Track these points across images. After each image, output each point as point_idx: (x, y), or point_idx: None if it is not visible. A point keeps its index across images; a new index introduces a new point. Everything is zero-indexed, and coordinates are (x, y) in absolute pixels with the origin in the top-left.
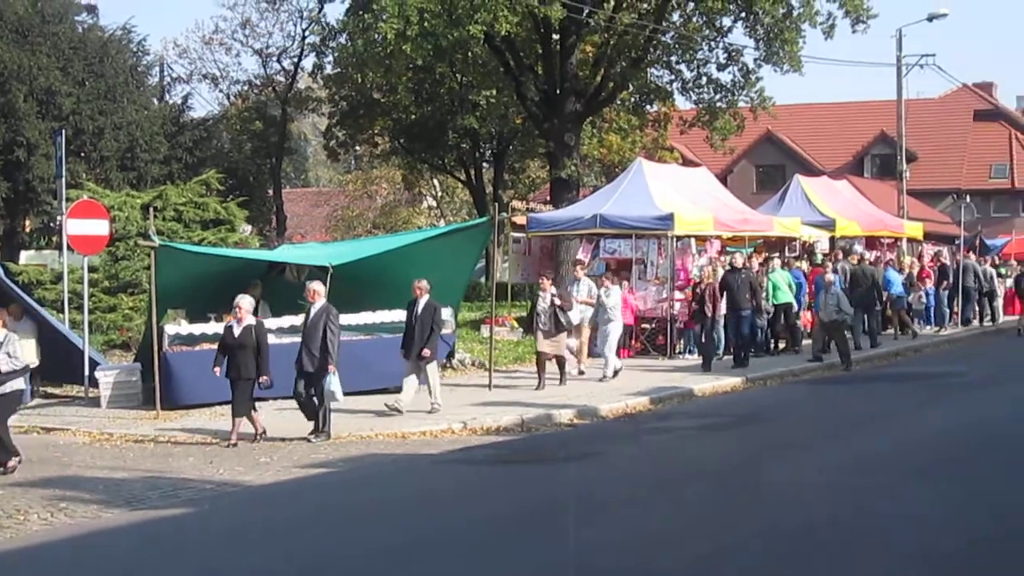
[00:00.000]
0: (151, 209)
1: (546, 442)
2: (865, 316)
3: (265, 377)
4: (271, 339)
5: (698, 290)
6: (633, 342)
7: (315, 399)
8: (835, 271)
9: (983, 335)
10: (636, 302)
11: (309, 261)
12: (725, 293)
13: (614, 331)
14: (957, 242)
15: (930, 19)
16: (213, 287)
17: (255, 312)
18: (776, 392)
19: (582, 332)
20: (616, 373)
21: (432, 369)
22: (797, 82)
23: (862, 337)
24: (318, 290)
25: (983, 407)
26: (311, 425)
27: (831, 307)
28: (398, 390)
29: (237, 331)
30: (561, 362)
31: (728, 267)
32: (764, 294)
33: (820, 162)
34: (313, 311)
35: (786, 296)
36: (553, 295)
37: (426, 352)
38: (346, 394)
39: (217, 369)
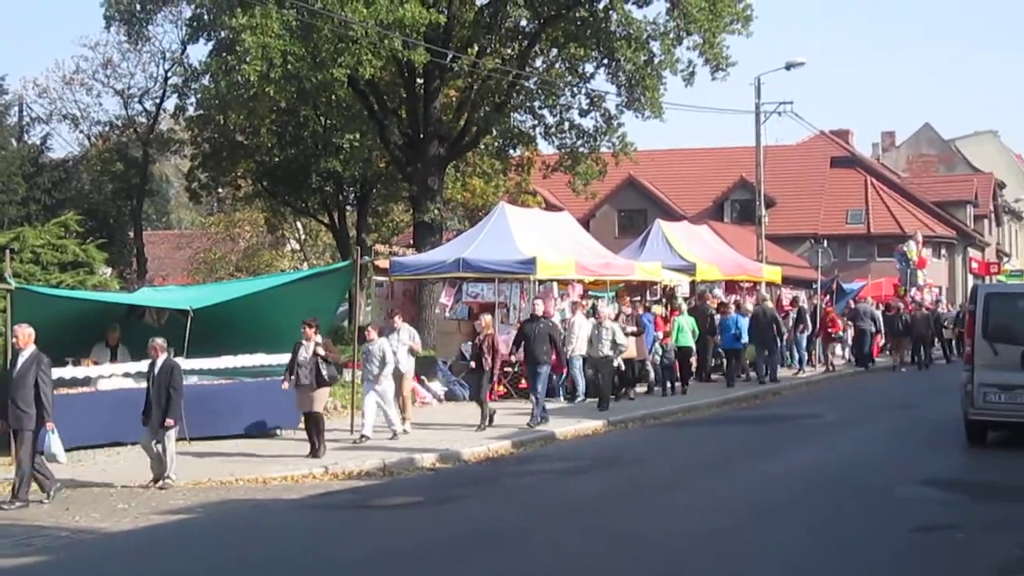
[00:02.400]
0: (7, 251)
1: (407, 486)
2: (766, 353)
3: None
4: (129, 383)
5: (476, 341)
6: (496, 386)
7: (21, 460)
8: (743, 314)
9: (840, 377)
10: (499, 345)
11: (170, 304)
12: (523, 344)
13: (388, 387)
14: (815, 286)
15: (788, 67)
16: (72, 331)
17: (114, 356)
18: (637, 435)
19: (404, 385)
20: (396, 435)
21: (170, 438)
22: (659, 128)
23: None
24: (27, 334)
25: (836, 448)
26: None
27: (606, 343)
28: (261, 435)
29: None
30: (318, 422)
31: (529, 316)
32: (611, 339)
33: (681, 207)
34: (21, 361)
35: (687, 340)
36: (317, 344)
37: (169, 421)
38: (206, 438)
39: None
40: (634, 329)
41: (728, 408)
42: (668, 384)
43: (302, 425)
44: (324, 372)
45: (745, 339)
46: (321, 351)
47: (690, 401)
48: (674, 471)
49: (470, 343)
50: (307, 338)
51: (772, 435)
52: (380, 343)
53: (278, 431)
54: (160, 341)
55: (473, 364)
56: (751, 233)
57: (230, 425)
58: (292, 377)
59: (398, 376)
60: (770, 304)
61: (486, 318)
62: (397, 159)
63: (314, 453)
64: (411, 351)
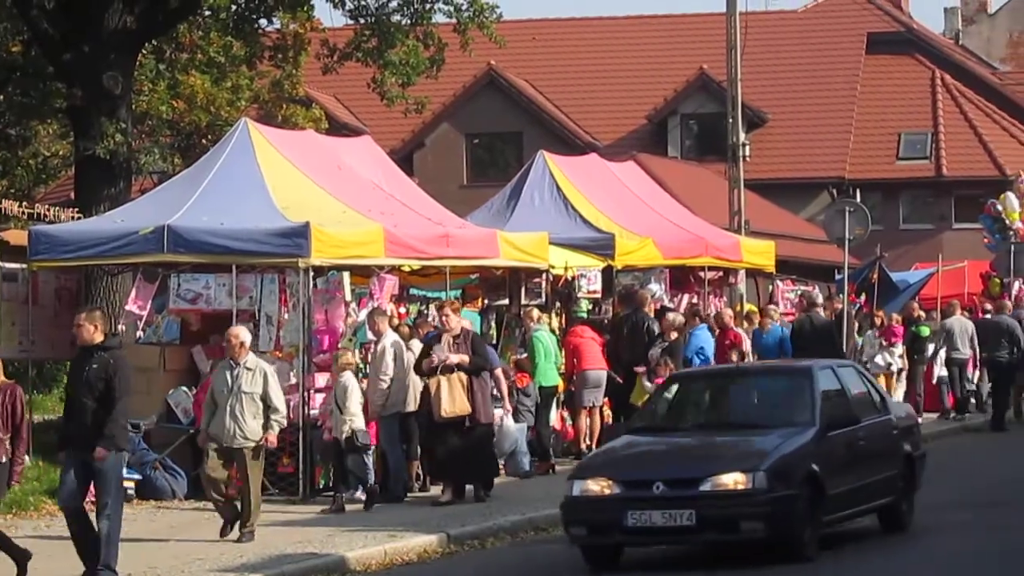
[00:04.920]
0: None
1: None
2: None
3: None
4: None
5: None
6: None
7: None
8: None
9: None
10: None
11: None
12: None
13: None
14: (839, 276)
15: None
16: None
17: None
18: (502, 562)
19: None
20: None
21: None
22: None
23: None
24: None
25: None
26: None
27: (247, 409)
28: None
29: None
30: None
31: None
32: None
33: (589, 128)
34: None
35: (552, 376)
36: None
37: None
38: None
39: None
40: (459, 358)
41: None
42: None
43: None
44: None
45: None
46: None
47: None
48: None
49: (183, 390)
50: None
51: (762, 560)
52: None
53: None
54: None
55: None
56: (718, 177)
57: None
58: None
59: None
60: (822, 312)
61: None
62: (45, 37)
63: None
64: None
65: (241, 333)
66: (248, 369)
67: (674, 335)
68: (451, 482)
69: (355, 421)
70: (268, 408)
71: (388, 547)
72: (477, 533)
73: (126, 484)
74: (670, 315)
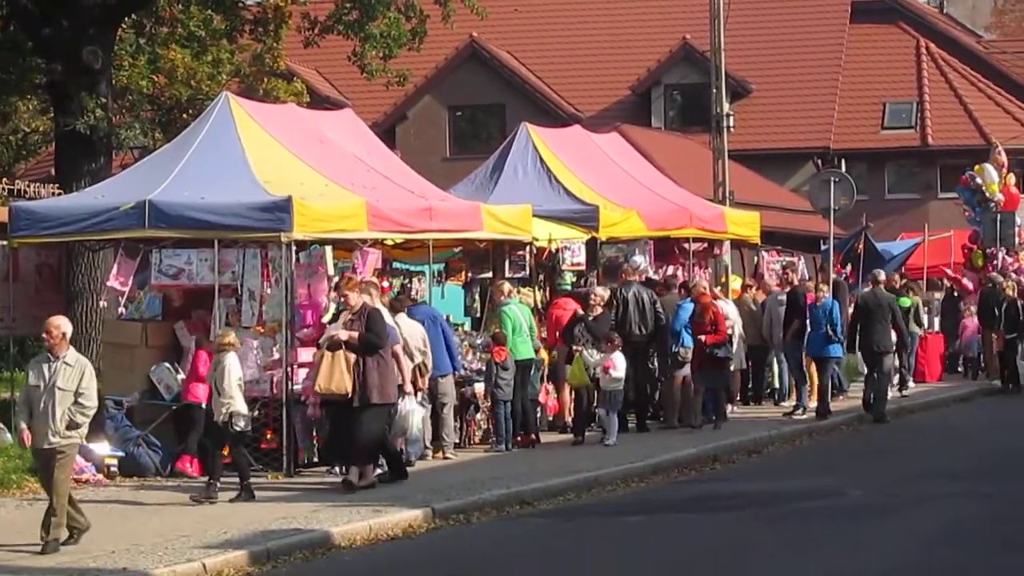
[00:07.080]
0: None
1: None
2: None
3: None
4: None
5: None
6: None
7: None
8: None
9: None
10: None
11: None
12: None
13: None
14: (824, 247)
15: None
16: None
17: None
18: (487, 537)
19: None
20: None
21: None
22: None
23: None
24: None
25: (857, 561)
26: None
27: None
28: None
29: None
30: None
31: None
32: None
33: (572, 100)
34: None
35: (527, 349)
36: None
37: None
38: None
39: None
40: (348, 335)
41: (662, 480)
42: (509, 435)
43: None
44: None
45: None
46: None
47: (588, 468)
48: None
49: (166, 366)
50: None
51: (742, 534)
52: None
53: None
54: None
55: None
56: (702, 148)
57: None
58: None
59: None
60: (884, 289)
61: None
62: (23, 12)
63: None
64: None
65: (63, 324)
66: (68, 364)
67: (598, 310)
68: (328, 462)
69: (233, 404)
70: (76, 401)
71: (373, 522)
72: (462, 507)
73: (109, 461)
74: (598, 289)
